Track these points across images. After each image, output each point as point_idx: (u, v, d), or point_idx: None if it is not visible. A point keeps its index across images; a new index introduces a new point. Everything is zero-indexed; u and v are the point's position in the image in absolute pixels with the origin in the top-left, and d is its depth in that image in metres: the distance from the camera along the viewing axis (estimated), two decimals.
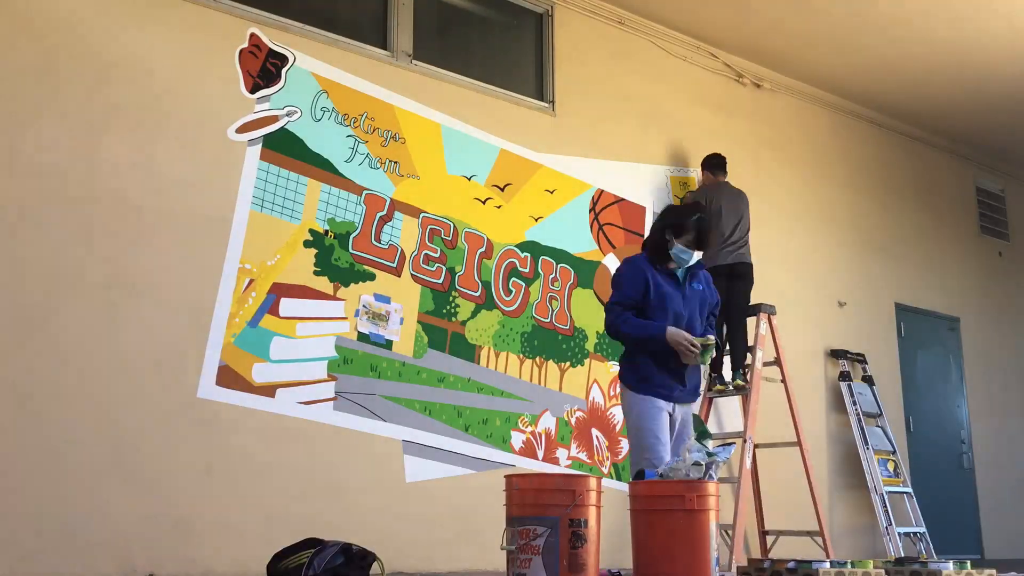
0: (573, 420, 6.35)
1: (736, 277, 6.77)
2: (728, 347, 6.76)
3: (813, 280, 8.16)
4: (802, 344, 7.78)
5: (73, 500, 4.46)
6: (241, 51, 5.40)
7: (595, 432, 6.45)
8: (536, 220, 6.45)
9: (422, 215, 5.93)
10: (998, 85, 8.42)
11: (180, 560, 4.67)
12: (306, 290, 5.37)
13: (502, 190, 6.33)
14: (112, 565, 4.50)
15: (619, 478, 6.30)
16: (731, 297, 6.72)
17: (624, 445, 6.32)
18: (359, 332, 5.49)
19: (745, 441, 6.43)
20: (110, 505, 4.56)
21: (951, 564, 4.70)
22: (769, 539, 6.86)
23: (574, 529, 3.72)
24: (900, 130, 9.31)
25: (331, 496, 5.22)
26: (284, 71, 5.53)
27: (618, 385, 4.54)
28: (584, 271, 6.63)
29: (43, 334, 4.55)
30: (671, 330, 4.22)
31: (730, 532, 6.26)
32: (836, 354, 8.01)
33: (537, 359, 6.23)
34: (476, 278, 6.08)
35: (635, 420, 4.32)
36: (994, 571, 4.84)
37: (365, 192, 5.71)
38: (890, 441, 7.76)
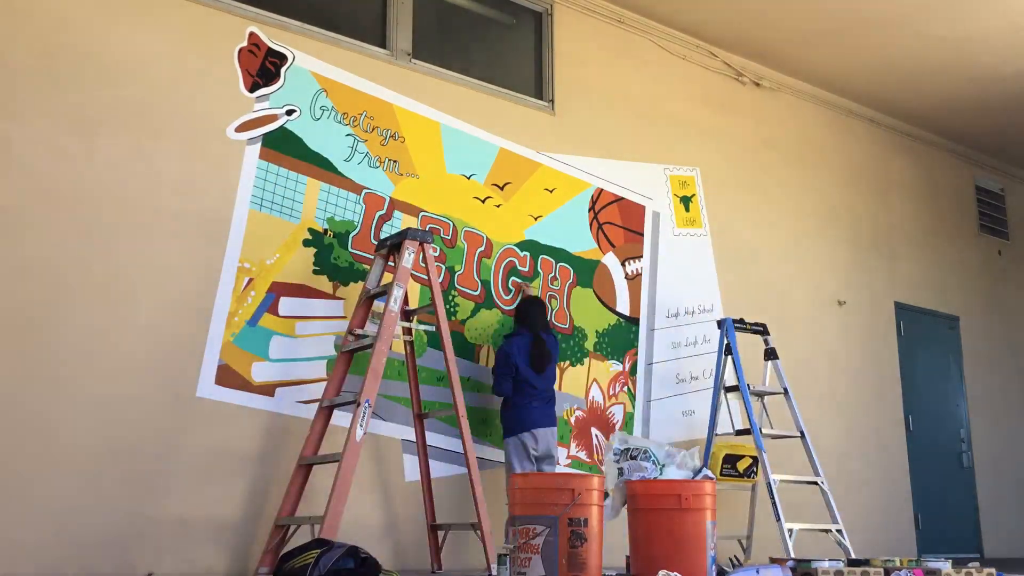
0: (572, 419, 6.35)
1: None
2: None
3: (813, 279, 8.16)
4: (802, 343, 7.78)
5: (72, 499, 4.46)
6: (240, 50, 5.40)
7: (594, 431, 6.45)
8: (535, 219, 6.45)
9: (421, 214, 5.93)
10: (998, 84, 8.42)
11: (180, 560, 4.66)
12: (305, 289, 5.37)
13: (501, 189, 6.33)
14: (111, 565, 4.50)
15: None
16: None
17: None
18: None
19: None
20: (110, 505, 4.55)
21: (949, 563, 4.71)
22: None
23: (574, 528, 3.72)
24: (900, 129, 9.31)
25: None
26: (283, 70, 5.53)
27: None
28: (584, 270, 6.63)
29: (43, 334, 4.54)
30: None
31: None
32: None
33: None
34: (475, 277, 6.08)
35: None
36: (993, 570, 4.85)
37: (364, 191, 5.71)
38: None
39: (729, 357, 6.57)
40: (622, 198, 6.97)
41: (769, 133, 8.13)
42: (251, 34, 5.45)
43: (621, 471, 4.43)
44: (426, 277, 5.34)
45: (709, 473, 4.50)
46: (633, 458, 4.44)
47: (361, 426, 4.60)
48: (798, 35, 7.67)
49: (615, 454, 4.45)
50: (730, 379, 6.59)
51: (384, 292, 5.05)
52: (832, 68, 8.22)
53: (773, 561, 5.25)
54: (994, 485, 9.21)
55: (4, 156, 4.58)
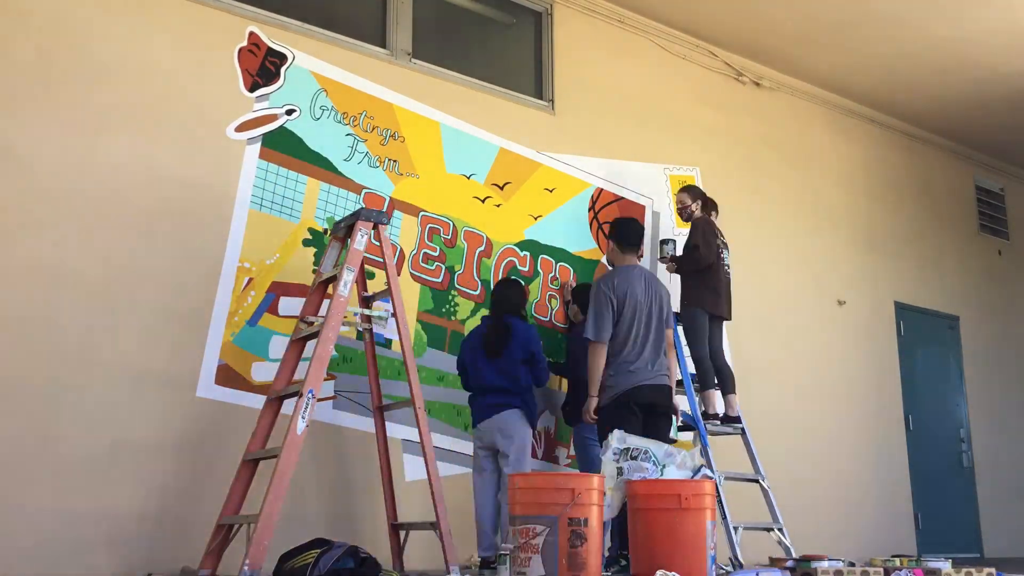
0: None
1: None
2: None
3: (812, 279, 8.16)
4: (802, 343, 7.78)
5: (72, 499, 4.46)
6: (240, 50, 5.40)
7: None
8: (535, 219, 6.44)
9: (421, 214, 5.93)
10: (998, 83, 8.42)
11: (180, 560, 4.66)
12: (305, 289, 5.36)
13: (501, 189, 6.33)
14: (111, 565, 4.50)
15: None
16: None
17: None
18: (358, 331, 5.48)
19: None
20: (109, 505, 4.55)
21: (949, 563, 4.72)
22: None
23: (573, 528, 3.72)
24: (899, 128, 9.31)
25: (330, 495, 5.21)
26: (283, 70, 5.53)
27: None
28: (583, 270, 6.63)
29: (43, 334, 4.54)
30: None
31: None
32: None
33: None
34: (475, 277, 6.08)
35: None
36: (993, 570, 4.85)
37: (364, 191, 5.71)
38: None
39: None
40: (622, 198, 6.97)
41: (769, 133, 8.13)
42: (251, 34, 5.45)
43: (621, 470, 4.43)
44: (425, 277, 5.34)
45: (709, 473, 4.50)
46: (634, 458, 4.44)
47: (303, 418, 4.22)
48: (798, 35, 7.67)
49: (615, 453, 4.46)
50: None
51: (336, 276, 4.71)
52: (832, 68, 8.22)
53: (773, 562, 5.26)
54: (994, 485, 9.21)
55: (4, 156, 4.58)
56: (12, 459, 4.36)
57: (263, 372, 5.12)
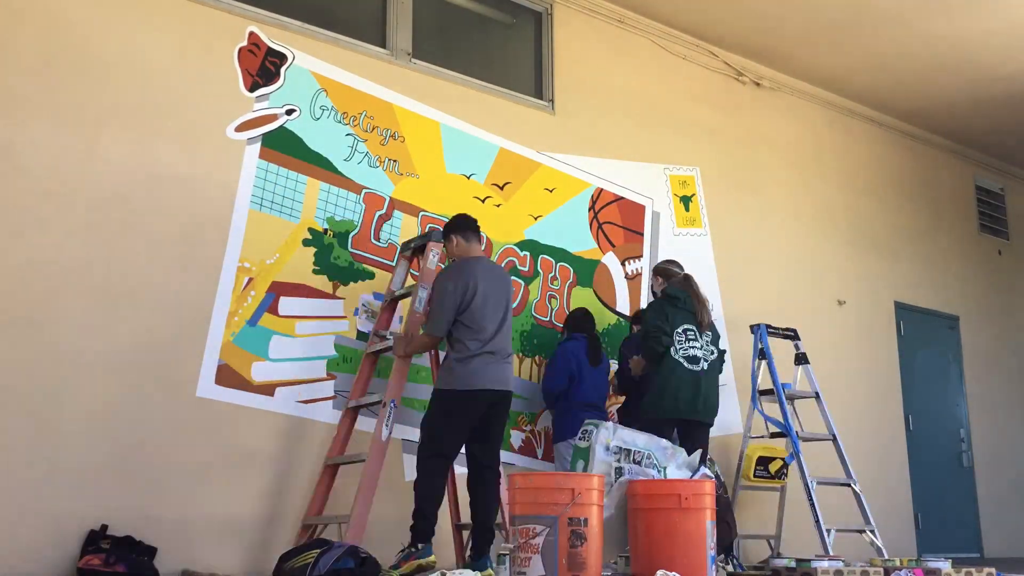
0: None
1: None
2: None
3: (813, 279, 8.16)
4: (802, 343, 7.76)
5: (73, 499, 4.46)
6: (240, 49, 5.40)
7: None
8: (535, 219, 6.44)
9: (421, 214, 5.93)
10: (998, 83, 8.42)
11: (180, 560, 4.66)
12: (305, 289, 5.37)
13: (501, 189, 6.33)
14: None
15: None
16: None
17: None
18: (358, 331, 5.49)
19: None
20: (109, 504, 4.55)
21: (949, 563, 4.72)
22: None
23: (573, 528, 3.72)
24: (900, 128, 9.31)
25: (330, 495, 5.21)
26: (283, 70, 5.53)
27: None
28: (583, 270, 6.63)
29: (43, 334, 4.54)
30: None
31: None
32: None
33: (536, 357, 6.23)
34: None
35: None
36: (993, 570, 4.85)
37: (364, 191, 5.71)
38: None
39: (763, 361, 6.72)
40: (622, 198, 6.97)
41: (769, 133, 8.12)
42: (251, 34, 5.45)
43: (620, 470, 4.42)
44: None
45: (708, 473, 4.51)
46: (637, 462, 4.43)
47: (387, 426, 4.75)
48: (798, 35, 7.66)
49: (615, 453, 4.44)
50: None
51: (409, 293, 5.19)
52: (832, 68, 8.21)
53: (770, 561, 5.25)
54: (994, 485, 9.21)
55: (4, 156, 4.58)
56: (12, 459, 4.36)
57: (263, 372, 5.13)
